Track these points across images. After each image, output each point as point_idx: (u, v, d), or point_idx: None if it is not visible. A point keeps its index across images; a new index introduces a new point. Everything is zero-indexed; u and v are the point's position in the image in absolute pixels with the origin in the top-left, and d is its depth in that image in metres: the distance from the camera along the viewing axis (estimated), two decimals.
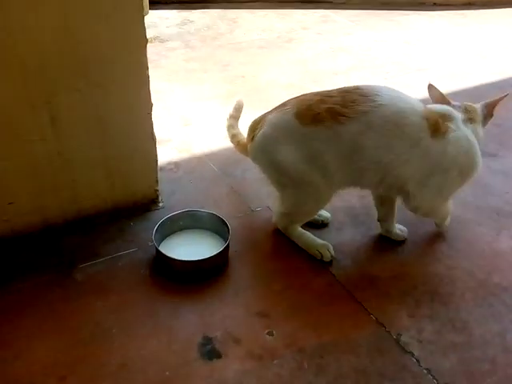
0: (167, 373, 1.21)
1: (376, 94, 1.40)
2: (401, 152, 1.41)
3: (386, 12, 3.82)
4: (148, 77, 1.48)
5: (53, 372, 1.20)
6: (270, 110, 1.56)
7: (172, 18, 3.50)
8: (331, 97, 1.43)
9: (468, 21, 3.70)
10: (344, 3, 3.92)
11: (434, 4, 4.02)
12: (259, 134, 1.51)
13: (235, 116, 1.76)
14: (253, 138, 1.53)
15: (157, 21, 3.36)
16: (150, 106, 1.54)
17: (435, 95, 1.56)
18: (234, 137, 1.71)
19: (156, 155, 1.67)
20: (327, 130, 1.40)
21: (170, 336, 1.30)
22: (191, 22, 3.47)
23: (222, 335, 1.30)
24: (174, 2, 3.73)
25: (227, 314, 1.36)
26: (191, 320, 1.34)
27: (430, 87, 1.57)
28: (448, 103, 1.53)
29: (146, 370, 1.21)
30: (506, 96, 1.53)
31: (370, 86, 1.46)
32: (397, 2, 3.98)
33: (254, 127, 1.55)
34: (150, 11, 3.37)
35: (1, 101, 1.31)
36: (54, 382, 1.17)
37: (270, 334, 1.31)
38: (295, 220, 1.58)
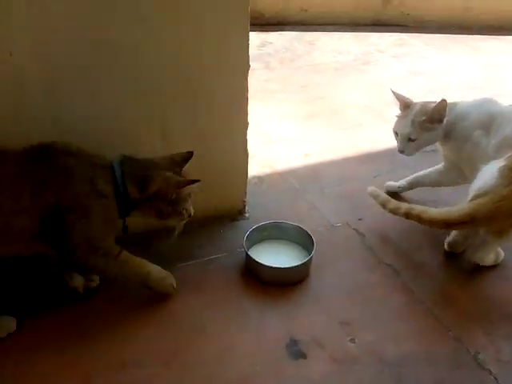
0: (258, 367, 1.33)
1: None
2: None
3: (462, 36, 3.79)
4: (247, 98, 1.64)
5: (158, 357, 1.35)
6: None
7: (251, 39, 3.59)
8: None
9: None
10: (419, 27, 3.94)
11: None
12: None
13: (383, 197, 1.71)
14: None
15: None
16: (247, 124, 1.69)
17: (397, 95, 1.77)
18: (397, 209, 1.63)
19: (247, 169, 1.82)
20: None
21: (258, 335, 1.42)
22: (270, 43, 3.58)
23: (307, 338, 1.41)
24: (252, 24, 3.89)
25: (311, 319, 1.47)
26: (277, 322, 1.46)
27: (393, 92, 1.78)
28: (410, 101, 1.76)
29: (238, 363, 1.34)
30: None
31: None
32: (474, 26, 3.93)
33: None
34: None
35: (125, 118, 1.50)
36: (159, 366, 1.32)
37: (352, 341, 1.40)
38: None
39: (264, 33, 3.75)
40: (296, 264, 1.59)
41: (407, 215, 1.58)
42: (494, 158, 1.55)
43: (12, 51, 1.32)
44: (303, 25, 3.89)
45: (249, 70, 1.62)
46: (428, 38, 3.72)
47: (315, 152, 2.29)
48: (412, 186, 1.96)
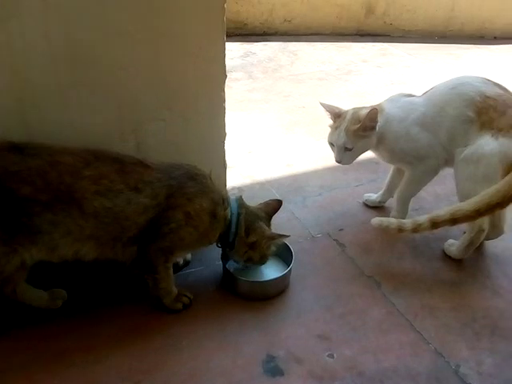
0: None
1: None
2: None
3: (444, 46, 3.85)
4: (224, 109, 1.61)
5: (129, 376, 1.30)
6: None
7: (235, 50, 3.65)
8: None
9: None
10: (402, 36, 3.98)
11: (495, 38, 4.02)
12: None
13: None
14: None
15: None
16: (224, 135, 1.67)
17: (327, 107, 1.81)
18: (419, 225, 1.56)
19: (225, 181, 1.78)
20: None
21: (235, 351, 1.38)
22: (253, 53, 3.61)
23: (285, 354, 1.37)
24: (236, 35, 3.90)
25: (289, 334, 1.43)
26: (256, 337, 1.42)
27: (322, 104, 1.82)
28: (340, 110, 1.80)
29: (213, 381, 1.30)
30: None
31: None
32: (455, 36, 4.00)
33: None
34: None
35: (94, 129, 1.46)
36: None
37: (331, 356, 1.37)
38: None
39: (248, 43, 3.79)
40: (274, 277, 1.56)
41: (435, 225, 1.52)
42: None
43: None
44: (287, 35, 3.94)
45: (225, 80, 1.60)
46: (411, 48, 3.77)
47: (297, 162, 2.28)
48: (391, 192, 1.94)
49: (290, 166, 2.25)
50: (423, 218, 1.54)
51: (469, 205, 1.48)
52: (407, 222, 1.57)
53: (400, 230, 1.57)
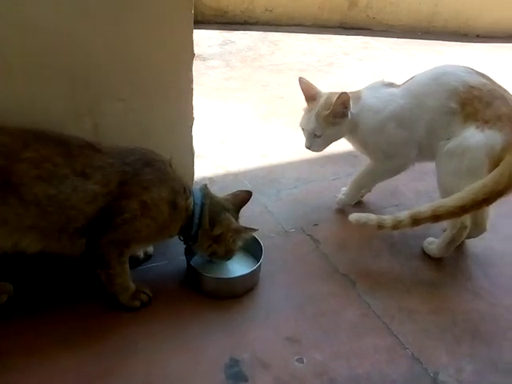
0: None
1: None
2: None
3: (427, 42, 3.79)
4: (192, 91, 1.49)
5: (76, 383, 1.17)
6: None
7: (214, 37, 3.55)
8: None
9: (511, 53, 3.63)
10: (385, 31, 3.91)
11: (477, 36, 3.98)
12: None
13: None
14: None
15: (199, 39, 3.40)
16: (192, 119, 1.54)
17: (304, 85, 1.70)
18: (400, 222, 1.46)
19: (193, 170, 1.66)
20: None
21: (196, 355, 1.26)
22: (232, 42, 3.50)
23: (250, 358, 1.26)
24: (216, 23, 3.78)
25: (256, 335, 1.32)
26: (219, 339, 1.30)
27: (300, 79, 1.70)
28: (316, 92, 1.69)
29: None
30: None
31: None
32: (438, 32, 3.94)
33: None
34: (193, 30, 3.44)
35: (45, 106, 1.32)
36: None
37: (300, 361, 1.26)
38: None
39: (228, 31, 3.70)
40: (242, 273, 1.44)
41: (416, 222, 1.42)
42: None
43: None
44: (268, 25, 3.85)
45: (193, 58, 1.47)
46: (393, 42, 3.71)
47: (273, 153, 2.19)
48: (369, 186, 1.86)
49: (265, 157, 2.15)
50: (404, 215, 1.44)
51: (452, 201, 1.38)
52: (387, 219, 1.47)
53: (379, 226, 1.47)
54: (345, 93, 1.60)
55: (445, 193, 1.49)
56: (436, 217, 1.40)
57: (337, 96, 1.60)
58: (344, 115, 1.61)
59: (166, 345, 1.28)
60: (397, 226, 1.45)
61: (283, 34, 3.67)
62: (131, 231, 1.26)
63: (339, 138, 1.72)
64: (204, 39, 3.49)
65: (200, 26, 3.62)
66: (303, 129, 1.70)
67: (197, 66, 3.01)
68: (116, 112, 1.40)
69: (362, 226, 1.51)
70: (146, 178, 1.27)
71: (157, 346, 1.27)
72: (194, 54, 1.46)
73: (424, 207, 1.43)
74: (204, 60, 3.16)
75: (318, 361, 1.26)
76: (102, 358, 1.23)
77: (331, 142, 1.71)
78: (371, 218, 1.50)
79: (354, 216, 1.52)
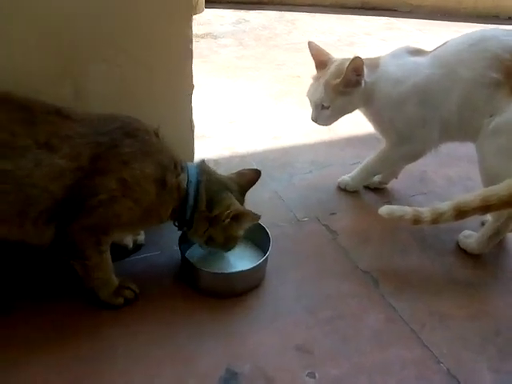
0: None
1: None
2: None
3: (455, 23, 3.61)
4: (191, 52, 1.29)
5: None
6: None
7: (227, 16, 3.42)
8: None
9: None
10: (410, 12, 3.72)
11: (509, 18, 3.79)
12: None
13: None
14: None
15: (211, 18, 3.29)
16: (192, 87, 1.35)
17: (315, 50, 1.54)
18: (441, 215, 1.25)
19: (193, 147, 1.47)
20: None
21: (187, 365, 1.07)
22: (246, 21, 3.38)
23: (251, 370, 1.07)
24: (229, 2, 3.63)
25: (260, 342, 1.13)
26: (215, 347, 1.12)
27: (310, 43, 1.55)
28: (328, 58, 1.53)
29: None
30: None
31: None
32: (467, 14, 3.76)
33: None
34: (206, 9, 3.35)
35: (16, 66, 1.13)
36: None
37: (312, 375, 1.07)
38: None
39: (241, 10, 3.61)
40: (245, 268, 1.25)
41: (462, 214, 1.21)
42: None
43: None
44: (283, 5, 3.70)
45: (192, 15, 1.26)
46: (419, 23, 3.55)
47: (286, 134, 2.02)
48: (395, 172, 1.68)
49: (277, 139, 1.97)
50: (446, 206, 1.22)
51: (505, 188, 1.16)
52: (425, 212, 1.25)
53: (416, 221, 1.25)
54: (358, 57, 1.40)
55: (489, 178, 1.27)
56: (486, 207, 1.18)
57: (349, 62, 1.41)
58: (357, 84, 1.44)
59: (151, 351, 1.09)
60: (437, 219, 1.23)
61: (300, 14, 3.55)
62: (109, 215, 1.07)
63: (351, 111, 1.54)
64: (216, 18, 3.39)
65: (213, 5, 3.53)
66: (310, 99, 1.53)
67: (208, 44, 2.88)
68: (99, 76, 1.20)
69: (395, 220, 1.29)
70: (126, 151, 1.07)
71: (140, 353, 1.09)
72: (193, 8, 1.24)
73: (470, 196, 1.21)
74: (215, 38, 3.02)
75: (333, 376, 1.06)
76: (73, 365, 1.05)
77: (341, 115, 1.54)
78: (406, 210, 1.27)
79: (385, 209, 1.30)
